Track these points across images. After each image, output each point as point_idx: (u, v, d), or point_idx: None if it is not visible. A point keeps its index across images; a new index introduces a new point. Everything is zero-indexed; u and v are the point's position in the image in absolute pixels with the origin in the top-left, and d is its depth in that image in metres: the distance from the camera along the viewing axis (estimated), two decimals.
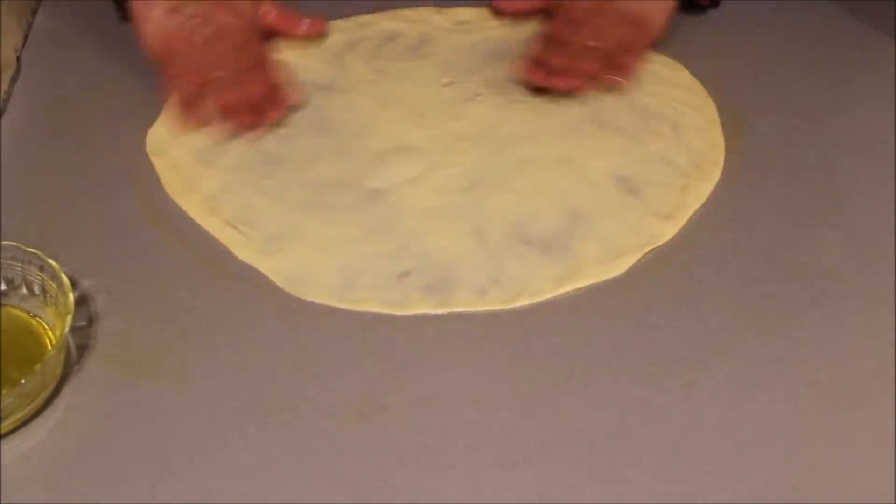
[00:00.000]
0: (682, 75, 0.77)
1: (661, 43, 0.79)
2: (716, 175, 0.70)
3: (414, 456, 0.56)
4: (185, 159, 0.71)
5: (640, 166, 0.70)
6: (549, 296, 0.63)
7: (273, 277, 0.64)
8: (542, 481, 0.55)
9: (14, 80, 0.76)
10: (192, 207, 0.68)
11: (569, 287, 0.64)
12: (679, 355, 0.60)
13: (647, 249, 0.65)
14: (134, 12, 0.73)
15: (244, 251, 0.66)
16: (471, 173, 0.70)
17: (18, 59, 0.78)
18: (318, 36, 0.79)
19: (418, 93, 0.76)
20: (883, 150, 0.71)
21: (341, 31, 0.81)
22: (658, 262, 0.65)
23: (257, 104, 0.72)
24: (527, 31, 0.80)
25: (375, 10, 0.82)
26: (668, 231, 0.67)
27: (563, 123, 0.73)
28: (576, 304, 0.63)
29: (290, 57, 0.78)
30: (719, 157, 0.71)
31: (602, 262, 0.65)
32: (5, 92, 0.75)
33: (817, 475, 0.55)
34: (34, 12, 0.82)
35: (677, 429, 0.57)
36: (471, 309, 0.63)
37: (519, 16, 0.80)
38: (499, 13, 0.81)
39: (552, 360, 0.60)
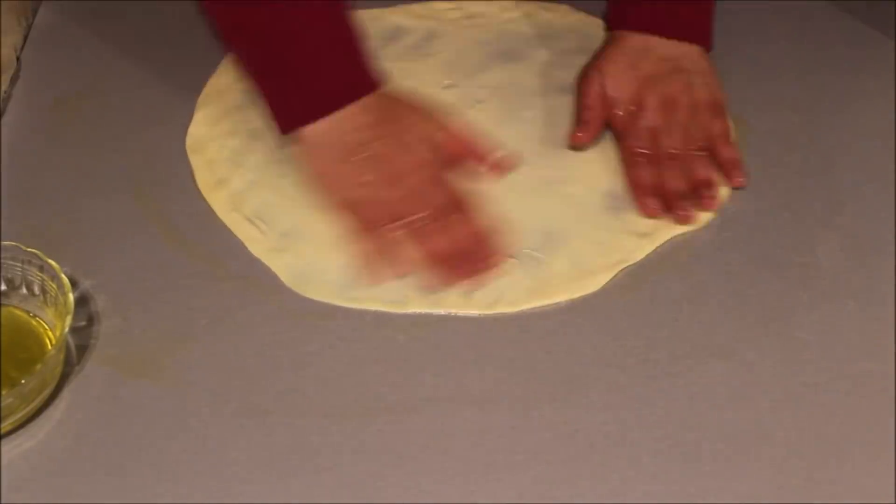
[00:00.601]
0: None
1: None
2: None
3: (414, 456, 0.56)
4: (218, 157, 0.71)
5: None
6: (524, 307, 0.63)
7: (280, 274, 0.65)
8: (542, 481, 0.55)
9: (14, 80, 0.76)
10: (218, 203, 0.69)
11: (541, 302, 0.63)
12: (679, 355, 0.60)
13: (620, 266, 0.65)
14: (310, 164, 0.67)
15: (257, 247, 0.66)
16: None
17: (18, 59, 0.78)
18: (505, 172, 0.70)
19: (419, 94, 0.75)
20: (883, 150, 0.71)
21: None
22: (659, 262, 0.65)
23: (469, 249, 0.65)
24: (541, 23, 0.79)
25: (389, 3, 0.81)
26: (643, 248, 0.66)
27: (562, 138, 0.72)
28: (576, 304, 0.63)
29: None
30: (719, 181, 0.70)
31: (574, 279, 0.64)
32: (5, 92, 0.75)
33: (817, 475, 0.55)
34: (34, 12, 0.82)
35: (677, 429, 0.57)
36: (457, 311, 0.63)
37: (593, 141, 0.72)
38: (578, 148, 0.71)
39: (552, 360, 0.60)
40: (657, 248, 0.66)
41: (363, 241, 0.65)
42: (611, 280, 0.64)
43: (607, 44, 0.74)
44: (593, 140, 0.71)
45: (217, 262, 0.65)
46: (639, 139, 0.70)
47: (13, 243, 0.60)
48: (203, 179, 0.70)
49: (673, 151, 0.69)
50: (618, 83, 0.71)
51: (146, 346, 0.61)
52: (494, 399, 0.58)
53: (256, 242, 0.66)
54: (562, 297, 0.63)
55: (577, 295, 0.63)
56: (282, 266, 0.65)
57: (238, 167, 0.71)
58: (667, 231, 0.67)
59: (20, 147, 0.72)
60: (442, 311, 0.63)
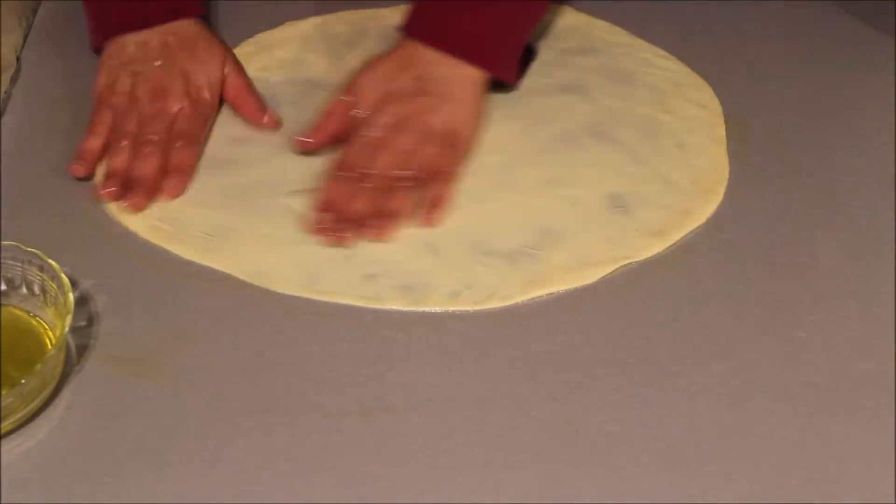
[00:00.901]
0: (704, 94, 0.75)
1: (662, 41, 0.79)
2: (715, 201, 0.68)
3: (414, 456, 0.56)
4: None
5: (636, 185, 0.69)
6: (518, 299, 0.63)
7: (229, 271, 0.64)
8: (542, 481, 0.55)
9: (14, 80, 0.76)
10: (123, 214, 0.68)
11: (536, 293, 0.63)
12: (679, 355, 0.60)
13: (622, 263, 0.64)
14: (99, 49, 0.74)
15: (186, 249, 0.65)
16: None
17: (18, 59, 0.78)
18: (272, 128, 0.73)
19: None
20: (883, 150, 0.71)
21: (348, 23, 0.80)
22: (659, 262, 0.65)
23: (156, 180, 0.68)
24: (543, 23, 0.78)
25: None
26: (653, 246, 0.65)
27: (558, 137, 0.71)
28: (576, 304, 0.63)
29: (293, 51, 0.78)
30: (722, 178, 0.69)
31: (571, 270, 0.64)
32: (5, 92, 0.75)
33: (817, 475, 0.55)
34: (34, 12, 0.82)
35: (677, 429, 0.57)
36: (443, 308, 0.62)
37: (323, 147, 0.70)
38: (306, 153, 0.70)
39: (553, 360, 0.60)
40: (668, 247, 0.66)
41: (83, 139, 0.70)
42: (611, 277, 0.64)
43: (383, 52, 0.71)
44: (321, 146, 0.70)
45: None
46: (356, 152, 0.68)
47: (13, 243, 0.60)
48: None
49: (376, 175, 0.66)
50: (362, 94, 0.69)
51: (146, 346, 0.61)
52: (494, 399, 0.58)
53: (180, 244, 0.66)
54: (558, 286, 0.63)
55: (573, 286, 0.63)
56: (228, 265, 0.65)
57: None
58: (678, 231, 0.66)
59: (20, 147, 0.72)
60: (432, 309, 0.62)
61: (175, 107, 0.70)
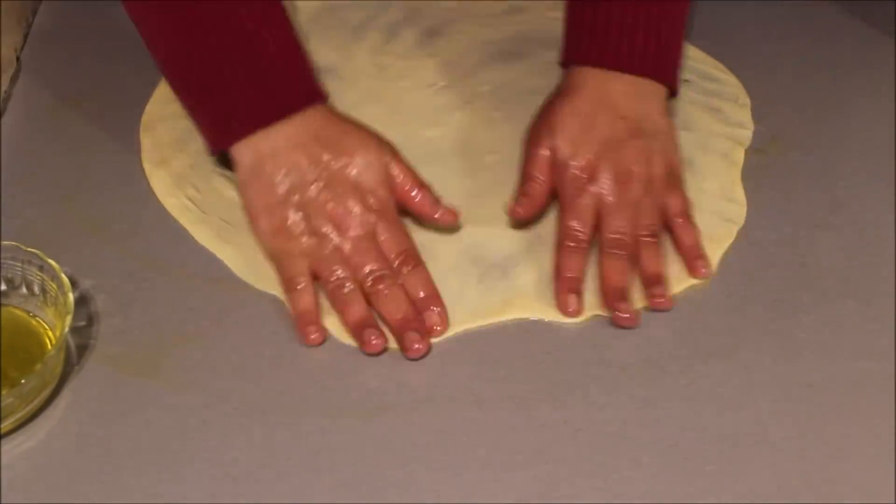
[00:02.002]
0: (742, 113, 0.73)
1: None
2: (727, 240, 0.65)
3: (414, 456, 0.56)
4: (167, 139, 0.71)
5: None
6: (467, 326, 0.61)
7: (229, 264, 0.64)
8: (542, 481, 0.55)
9: (14, 80, 0.76)
10: (159, 184, 0.68)
11: (484, 321, 0.61)
12: (679, 355, 0.60)
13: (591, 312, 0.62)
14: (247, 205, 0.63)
15: (202, 233, 0.66)
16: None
17: (18, 58, 0.78)
18: (450, 225, 0.65)
19: (409, 94, 0.74)
20: (883, 150, 0.71)
21: (360, 9, 0.80)
22: None
23: (413, 318, 0.60)
24: (549, 25, 0.77)
25: None
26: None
27: None
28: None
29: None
30: (737, 213, 0.67)
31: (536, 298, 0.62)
32: (5, 92, 0.75)
33: (817, 475, 0.55)
34: (34, 12, 0.82)
35: (677, 429, 0.57)
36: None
37: (538, 213, 0.66)
38: (520, 222, 0.66)
39: (552, 360, 0.60)
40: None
41: (290, 301, 0.61)
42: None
43: (561, 92, 0.66)
44: (535, 215, 0.65)
45: (216, 263, 0.65)
46: (580, 217, 0.62)
47: (13, 243, 0.60)
48: (148, 157, 0.70)
49: (618, 237, 0.62)
50: (570, 148, 0.63)
51: (146, 345, 0.61)
52: (494, 399, 0.58)
53: (198, 226, 0.66)
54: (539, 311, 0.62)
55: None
56: (229, 256, 0.65)
57: (182, 151, 0.70)
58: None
59: (20, 147, 0.72)
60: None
61: (367, 226, 0.61)
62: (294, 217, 0.61)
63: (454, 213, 0.64)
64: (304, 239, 0.61)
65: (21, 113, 0.74)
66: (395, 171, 0.64)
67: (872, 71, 0.77)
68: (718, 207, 0.67)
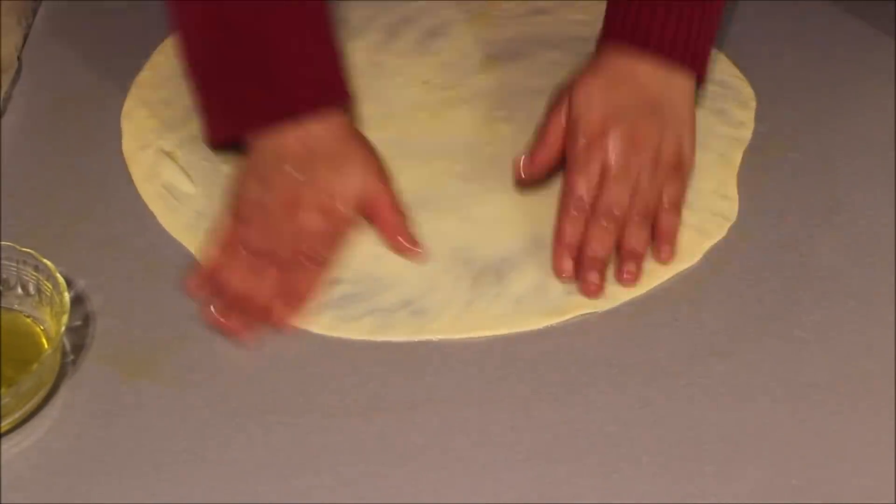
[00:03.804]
0: (745, 114, 0.73)
1: None
2: (716, 236, 0.66)
3: (414, 456, 0.56)
4: (148, 125, 0.71)
5: None
6: (462, 335, 0.61)
7: (198, 256, 0.64)
8: (542, 481, 0.55)
9: (14, 80, 0.76)
10: (138, 169, 0.69)
11: (479, 333, 0.61)
12: (679, 355, 0.60)
13: (580, 311, 0.61)
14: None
15: (172, 223, 0.66)
16: (414, 189, 0.67)
17: (18, 58, 0.78)
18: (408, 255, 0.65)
19: (401, 93, 0.74)
20: (883, 150, 0.71)
21: (363, 7, 0.80)
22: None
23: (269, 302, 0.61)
24: (557, 25, 0.77)
25: None
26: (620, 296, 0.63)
27: None
28: None
29: None
30: (730, 209, 0.67)
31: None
32: (5, 92, 0.75)
33: (817, 475, 0.55)
34: (34, 12, 0.82)
35: (677, 429, 0.57)
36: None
37: (546, 171, 0.66)
38: (525, 182, 0.67)
39: (552, 360, 0.60)
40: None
41: (217, 251, 0.63)
42: (610, 278, 0.63)
43: (589, 66, 0.66)
44: (542, 173, 0.65)
45: None
46: (588, 180, 0.62)
47: (9, 243, 0.60)
48: (128, 143, 0.70)
49: (611, 210, 0.62)
50: (585, 105, 0.64)
51: (142, 345, 0.61)
52: (494, 399, 0.58)
53: (169, 216, 0.66)
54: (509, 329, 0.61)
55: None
56: (199, 248, 0.65)
57: (164, 137, 0.71)
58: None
59: (20, 147, 0.72)
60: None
61: (306, 221, 0.62)
62: (255, 186, 0.63)
63: (415, 249, 0.64)
64: (250, 207, 0.63)
65: (21, 113, 0.74)
66: (371, 191, 0.64)
67: (872, 71, 0.77)
68: (712, 204, 0.67)
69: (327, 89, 0.66)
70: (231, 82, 0.64)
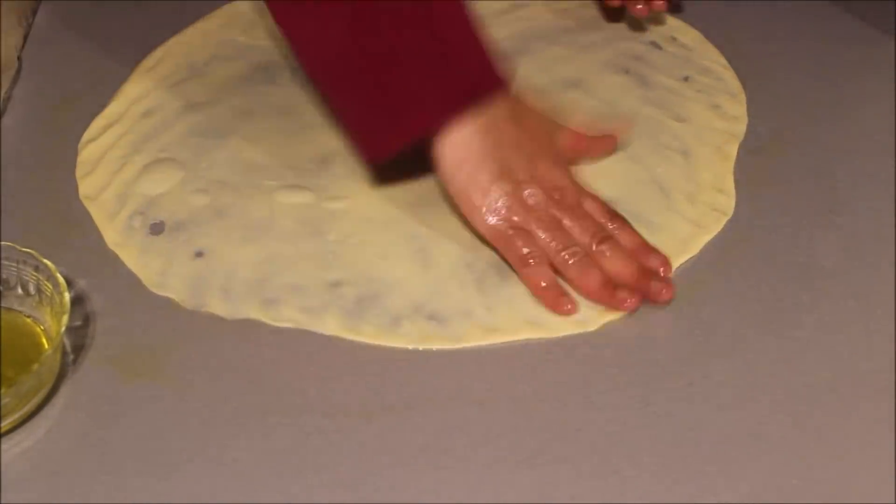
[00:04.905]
0: (738, 108, 0.73)
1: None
2: (715, 228, 0.66)
3: (414, 456, 0.56)
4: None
5: (633, 189, 0.67)
6: (472, 343, 0.60)
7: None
8: (542, 481, 0.55)
9: (14, 80, 0.76)
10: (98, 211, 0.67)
11: (490, 340, 0.61)
12: (679, 355, 0.60)
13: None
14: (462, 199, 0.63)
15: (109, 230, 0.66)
16: (419, 189, 0.67)
17: (18, 58, 0.78)
18: (610, 152, 0.68)
19: None
20: (883, 151, 0.71)
21: None
22: None
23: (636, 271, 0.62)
24: (552, 20, 0.77)
25: None
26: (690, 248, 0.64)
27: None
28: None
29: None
30: (727, 204, 0.67)
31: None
32: (5, 92, 0.75)
33: (817, 475, 0.55)
34: (34, 12, 0.82)
35: (677, 429, 0.57)
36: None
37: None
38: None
39: (552, 360, 0.60)
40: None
41: (528, 278, 0.62)
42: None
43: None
44: None
45: None
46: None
47: (9, 243, 0.60)
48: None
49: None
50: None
51: (142, 345, 0.61)
52: (494, 399, 0.58)
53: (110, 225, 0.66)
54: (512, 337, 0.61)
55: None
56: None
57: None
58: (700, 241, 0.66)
59: (20, 147, 0.72)
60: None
61: (564, 190, 0.63)
62: (507, 202, 0.62)
63: (612, 140, 0.68)
64: (519, 218, 0.62)
65: (21, 113, 0.74)
66: (563, 135, 0.66)
67: (872, 71, 0.77)
68: (710, 198, 0.67)
69: (497, 65, 0.64)
70: (399, 82, 0.61)
